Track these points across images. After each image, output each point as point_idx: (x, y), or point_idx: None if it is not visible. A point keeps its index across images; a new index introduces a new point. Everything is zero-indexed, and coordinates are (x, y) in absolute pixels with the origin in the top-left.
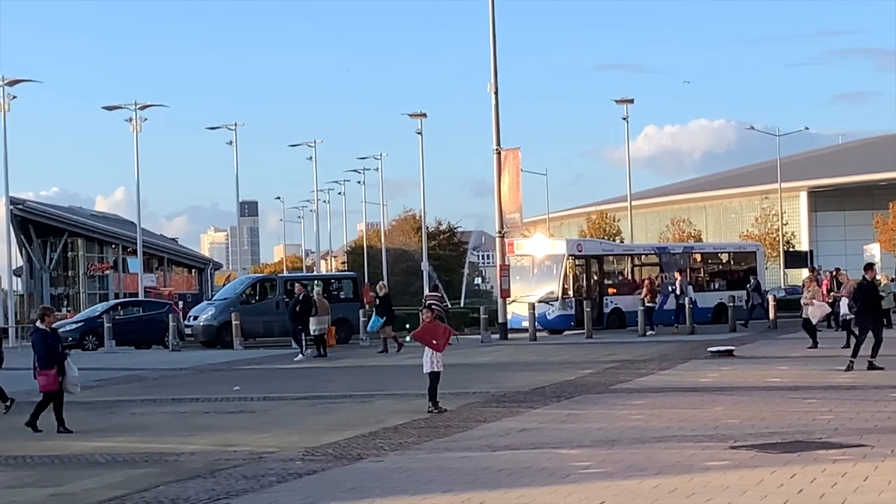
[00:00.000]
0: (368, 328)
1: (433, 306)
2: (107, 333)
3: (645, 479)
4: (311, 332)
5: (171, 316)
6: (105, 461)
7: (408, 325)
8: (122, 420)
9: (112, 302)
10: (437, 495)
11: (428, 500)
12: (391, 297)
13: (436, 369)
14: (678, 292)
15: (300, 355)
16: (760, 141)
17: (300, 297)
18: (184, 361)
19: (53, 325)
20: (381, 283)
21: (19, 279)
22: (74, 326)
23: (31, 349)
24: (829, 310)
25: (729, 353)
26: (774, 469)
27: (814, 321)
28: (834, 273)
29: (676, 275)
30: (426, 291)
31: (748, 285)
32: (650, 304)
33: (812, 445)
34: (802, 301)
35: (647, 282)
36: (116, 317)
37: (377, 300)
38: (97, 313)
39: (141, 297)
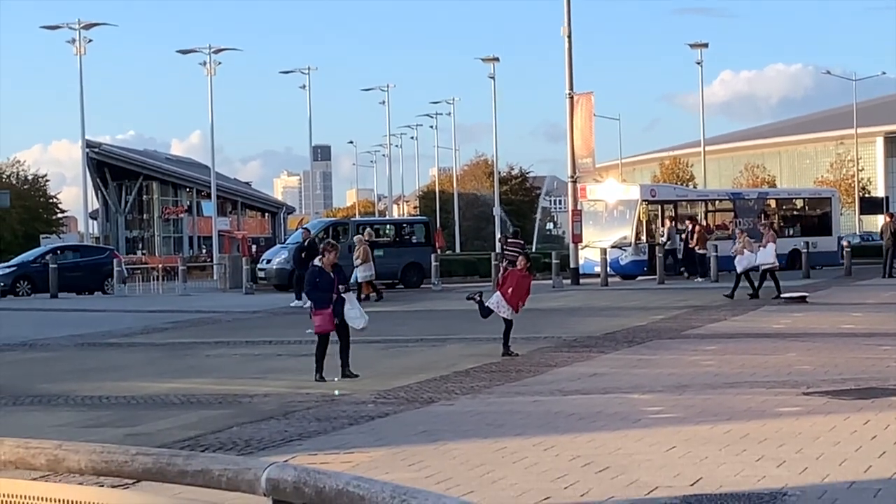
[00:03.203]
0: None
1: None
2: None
3: (717, 425)
4: (359, 280)
5: (114, 262)
6: (179, 402)
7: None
8: (197, 362)
9: (49, 246)
10: (507, 439)
11: (499, 444)
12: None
13: (507, 316)
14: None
15: (297, 301)
16: (837, 86)
17: (306, 244)
18: (257, 304)
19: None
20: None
21: (95, 222)
22: (7, 271)
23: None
24: (753, 260)
25: (802, 300)
26: (847, 415)
27: (739, 270)
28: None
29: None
30: (498, 235)
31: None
32: (701, 251)
33: (886, 392)
34: (732, 250)
35: (697, 227)
36: (54, 262)
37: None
38: (31, 258)
39: (214, 241)
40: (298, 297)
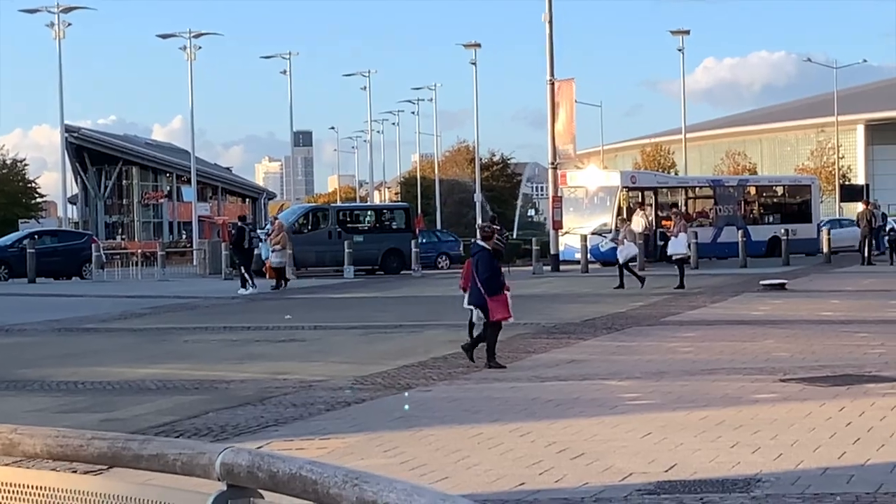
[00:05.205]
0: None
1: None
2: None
3: (693, 411)
4: (273, 265)
5: (92, 247)
6: (156, 388)
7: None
8: (174, 347)
9: (26, 231)
10: (484, 425)
11: (475, 430)
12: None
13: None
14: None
15: (242, 290)
16: (819, 73)
17: (235, 231)
18: (236, 290)
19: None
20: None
21: (74, 207)
22: None
23: (474, 269)
24: (635, 251)
25: (781, 287)
26: (823, 402)
27: (621, 260)
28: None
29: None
30: (479, 222)
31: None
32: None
33: (862, 379)
34: (615, 241)
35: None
36: (32, 247)
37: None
38: (9, 243)
39: (194, 226)
40: (244, 286)
